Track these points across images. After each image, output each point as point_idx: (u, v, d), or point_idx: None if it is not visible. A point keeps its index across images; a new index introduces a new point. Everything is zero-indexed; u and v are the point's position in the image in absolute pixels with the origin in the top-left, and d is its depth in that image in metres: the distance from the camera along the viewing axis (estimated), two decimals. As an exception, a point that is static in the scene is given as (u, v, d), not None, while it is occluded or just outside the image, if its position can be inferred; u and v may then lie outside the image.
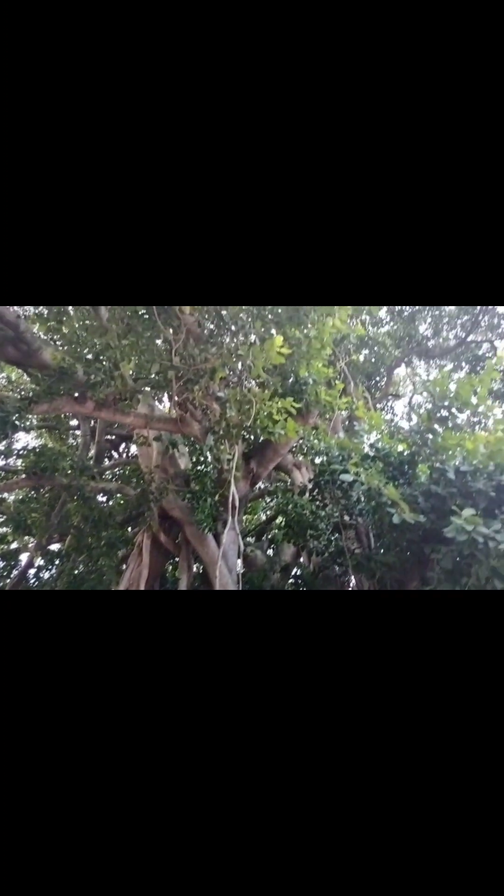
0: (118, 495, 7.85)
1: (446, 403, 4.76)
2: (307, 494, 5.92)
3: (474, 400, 4.68)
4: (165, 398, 6.38)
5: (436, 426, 4.72)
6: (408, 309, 10.04)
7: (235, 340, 4.90)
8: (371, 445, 5.03)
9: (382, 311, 9.62)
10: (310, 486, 6.02)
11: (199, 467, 6.10)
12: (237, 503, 5.24)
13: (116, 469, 8.34)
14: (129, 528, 7.50)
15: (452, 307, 10.01)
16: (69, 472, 6.30)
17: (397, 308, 9.95)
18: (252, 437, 5.87)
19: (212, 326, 5.06)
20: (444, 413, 4.79)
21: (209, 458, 5.74)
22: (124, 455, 8.64)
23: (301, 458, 7.48)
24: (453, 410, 4.79)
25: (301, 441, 5.89)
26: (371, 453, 4.90)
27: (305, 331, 5.24)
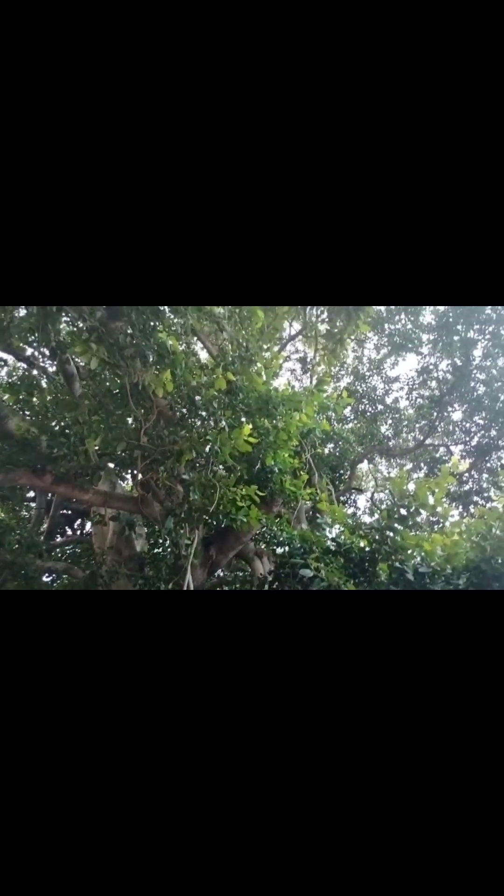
0: (65, 576, 7.31)
1: (405, 502, 4.89)
2: (266, 587, 5.69)
3: (431, 500, 4.84)
4: (129, 477, 6.27)
5: (396, 524, 4.79)
6: (370, 410, 10.71)
7: (205, 426, 5.01)
8: (333, 540, 5.01)
9: (347, 410, 10.21)
10: (269, 577, 5.82)
11: (155, 550, 5.83)
12: (192, 593, 4.95)
13: (67, 547, 7.85)
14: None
15: (411, 411, 10.77)
16: (16, 546, 5.87)
17: (360, 408, 10.60)
18: (214, 523, 5.75)
19: (184, 411, 5.19)
20: (404, 511, 4.89)
21: (167, 542, 5.52)
22: (78, 532, 8.21)
23: (263, 546, 7.33)
24: (412, 510, 4.91)
25: (264, 530, 5.81)
26: (332, 547, 4.85)
27: (274, 422, 5.44)
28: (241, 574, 7.76)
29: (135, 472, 5.63)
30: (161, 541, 5.68)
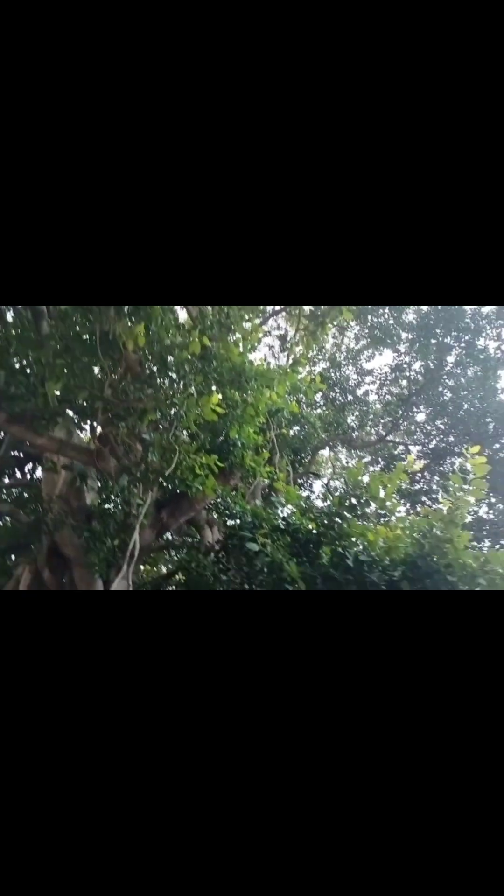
0: (8, 518, 7.09)
1: (358, 493, 5.04)
2: (212, 556, 5.78)
3: (382, 494, 5.01)
4: (87, 428, 6.08)
5: (345, 512, 4.94)
6: (340, 399, 10.84)
7: (174, 388, 4.90)
8: (283, 519, 5.11)
9: (318, 396, 10.28)
10: (217, 547, 5.90)
11: (106, 506, 5.75)
12: (137, 552, 4.94)
13: (14, 490, 7.60)
14: (12, 557, 6.73)
15: (378, 406, 10.99)
16: (-43, 482, 5.61)
17: (331, 395, 10.71)
18: (169, 487, 5.72)
19: (154, 369, 5.04)
20: (355, 501, 5.05)
21: (119, 499, 5.45)
22: (28, 476, 7.95)
23: (215, 516, 7.39)
24: (363, 500, 5.07)
25: (218, 500, 5.84)
26: (282, 526, 4.96)
27: (244, 395, 5.40)
28: (189, 540, 7.82)
29: (94, 423, 5.47)
30: (113, 497, 5.60)
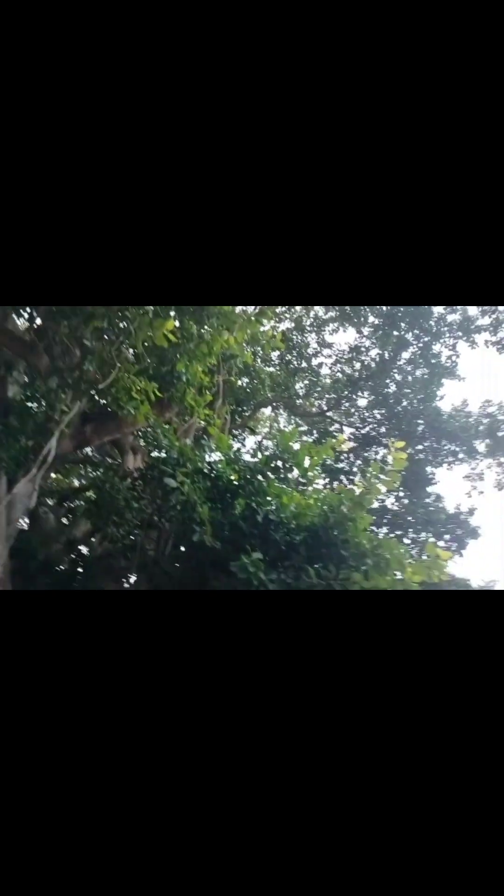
0: None
1: (285, 457, 5.20)
2: (129, 481, 5.72)
3: (307, 463, 5.22)
4: (25, 315, 5.54)
5: (269, 472, 5.09)
6: (294, 363, 10.86)
7: (130, 301, 4.58)
8: (209, 464, 5.15)
9: (275, 354, 10.21)
10: (136, 475, 5.84)
11: (28, 403, 5.40)
12: (50, 458, 4.75)
13: None
14: None
15: (328, 381, 11.19)
16: None
17: (287, 357, 10.69)
18: (100, 402, 5.48)
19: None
20: (280, 464, 5.21)
21: (43, 401, 5.13)
22: None
23: (142, 444, 7.26)
24: (288, 465, 5.25)
25: (148, 429, 5.72)
26: (205, 470, 5.00)
27: (202, 330, 5.20)
28: (109, 461, 7.66)
29: (34, 314, 5.00)
30: (37, 396, 5.26)
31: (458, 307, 9.36)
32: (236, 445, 10.46)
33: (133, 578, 5.98)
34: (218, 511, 4.54)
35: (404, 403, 10.41)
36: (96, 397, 5.26)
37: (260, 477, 4.83)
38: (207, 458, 5.30)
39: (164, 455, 5.15)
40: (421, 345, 10.04)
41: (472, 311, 9.24)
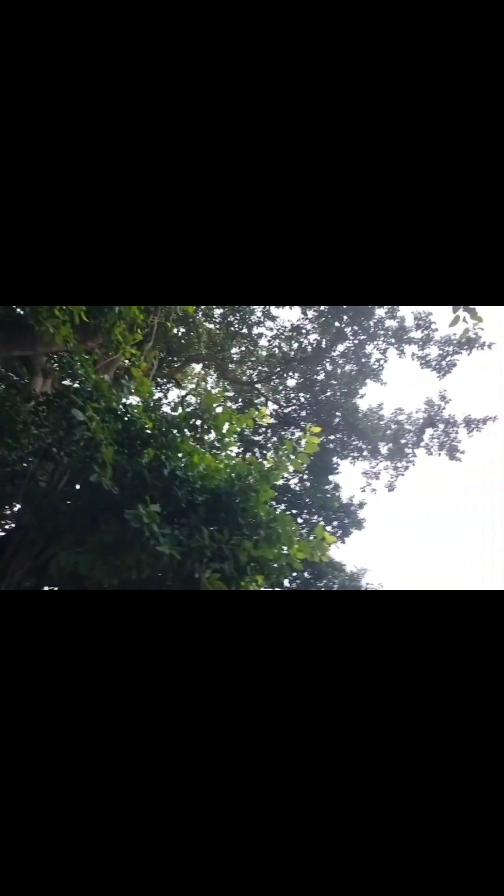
0: None
1: (205, 417, 5.13)
2: (32, 404, 5.25)
3: (225, 429, 5.21)
4: None
5: (185, 429, 4.99)
6: (235, 327, 10.66)
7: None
8: (124, 405, 4.90)
9: (218, 312, 9.91)
10: (41, 399, 5.37)
11: None
12: None
13: None
14: None
15: (263, 353, 11.19)
16: None
17: (230, 319, 10.44)
18: (15, 311, 4.88)
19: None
20: (199, 423, 5.13)
21: None
22: None
23: (56, 367, 6.67)
24: (206, 426, 5.19)
25: (66, 354, 5.24)
26: (119, 411, 4.75)
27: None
28: (14, 378, 6.94)
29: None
30: None
31: (398, 316, 9.83)
32: (158, 394, 10.11)
33: (17, 507, 5.60)
34: (123, 456, 4.37)
35: (328, 393, 10.82)
36: (12, 306, 4.67)
37: (175, 431, 4.72)
38: (124, 400, 5.04)
39: (76, 385, 4.78)
40: (357, 342, 10.43)
41: (409, 321, 9.79)
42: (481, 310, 3.10)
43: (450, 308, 3.09)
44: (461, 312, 3.02)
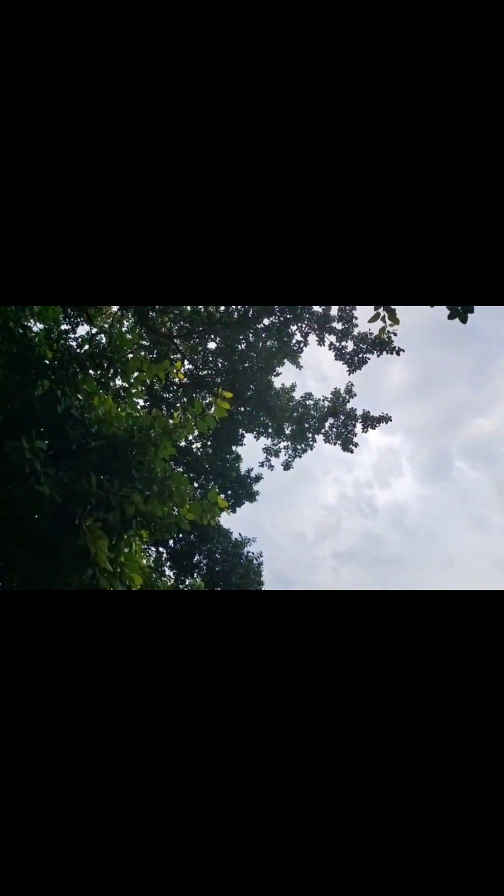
0: None
1: (114, 360, 4.82)
2: None
3: (133, 378, 4.95)
4: None
5: (90, 368, 4.64)
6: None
7: None
8: (22, 327, 4.39)
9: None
10: None
11: None
12: None
13: None
14: None
15: (189, 309, 10.78)
16: None
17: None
18: None
19: None
20: (106, 365, 4.80)
21: None
22: None
23: None
24: (113, 371, 4.89)
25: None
26: (16, 334, 4.25)
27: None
28: None
29: None
30: None
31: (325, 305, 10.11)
32: (66, 326, 9.21)
33: None
34: (14, 383, 3.94)
35: (246, 365, 10.84)
36: None
37: (78, 367, 4.36)
38: (23, 322, 4.50)
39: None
40: (282, 319, 10.53)
41: (333, 311, 10.12)
42: (401, 315, 3.31)
43: (371, 307, 3.25)
44: (381, 311, 3.19)
